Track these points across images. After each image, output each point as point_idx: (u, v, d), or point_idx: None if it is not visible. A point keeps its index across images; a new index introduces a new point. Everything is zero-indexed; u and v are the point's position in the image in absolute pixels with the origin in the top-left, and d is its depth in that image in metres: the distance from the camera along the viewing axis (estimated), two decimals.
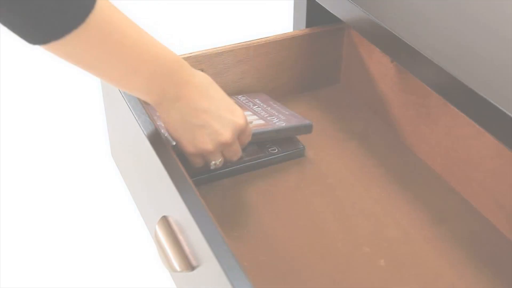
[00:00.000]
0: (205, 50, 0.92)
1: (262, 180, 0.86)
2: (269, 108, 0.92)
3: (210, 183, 0.85)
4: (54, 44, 0.57)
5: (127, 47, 0.63)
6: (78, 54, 0.60)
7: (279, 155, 0.88)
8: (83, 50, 0.60)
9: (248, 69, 0.96)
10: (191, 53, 0.91)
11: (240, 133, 0.74)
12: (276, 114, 0.90)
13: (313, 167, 0.88)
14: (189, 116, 0.70)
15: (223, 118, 0.72)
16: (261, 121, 0.87)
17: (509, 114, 0.59)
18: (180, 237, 0.66)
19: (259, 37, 0.96)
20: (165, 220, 0.68)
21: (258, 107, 0.92)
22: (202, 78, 0.71)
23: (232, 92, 0.97)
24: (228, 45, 0.93)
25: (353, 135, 0.94)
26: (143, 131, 0.70)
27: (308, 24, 1.00)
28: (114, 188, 0.97)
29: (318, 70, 1.02)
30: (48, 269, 0.86)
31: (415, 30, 0.74)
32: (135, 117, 0.73)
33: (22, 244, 0.89)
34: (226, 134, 0.72)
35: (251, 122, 0.86)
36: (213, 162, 0.75)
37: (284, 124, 0.87)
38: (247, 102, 0.94)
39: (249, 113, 0.90)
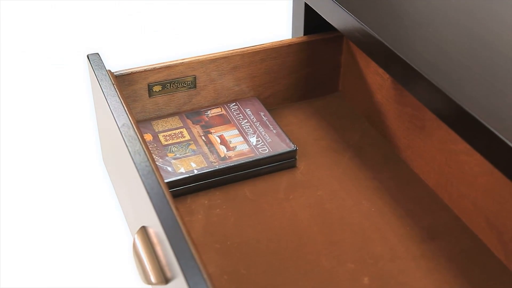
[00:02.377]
0: (198, 56, 0.90)
1: (251, 191, 0.84)
2: (258, 124, 0.91)
3: (196, 192, 0.84)
4: None
5: None
6: None
7: (269, 165, 0.86)
8: None
9: (243, 76, 0.95)
10: (183, 59, 0.89)
11: None
12: (263, 134, 0.89)
13: (304, 178, 0.86)
14: None
15: None
16: (246, 147, 0.87)
17: (499, 135, 0.57)
18: (157, 248, 0.64)
19: (255, 44, 0.94)
20: (144, 230, 0.67)
21: (247, 122, 0.91)
22: None
23: (226, 99, 0.96)
24: (222, 52, 0.92)
25: (347, 146, 0.92)
26: (123, 137, 0.69)
27: (306, 32, 0.98)
28: (103, 194, 0.96)
29: (316, 79, 1.00)
30: (33, 272, 0.85)
31: (410, 44, 0.72)
32: (116, 124, 0.72)
33: (9, 245, 0.89)
34: None
35: (234, 148, 0.87)
36: None
37: (267, 151, 0.86)
38: (237, 114, 0.93)
39: (236, 132, 0.90)
